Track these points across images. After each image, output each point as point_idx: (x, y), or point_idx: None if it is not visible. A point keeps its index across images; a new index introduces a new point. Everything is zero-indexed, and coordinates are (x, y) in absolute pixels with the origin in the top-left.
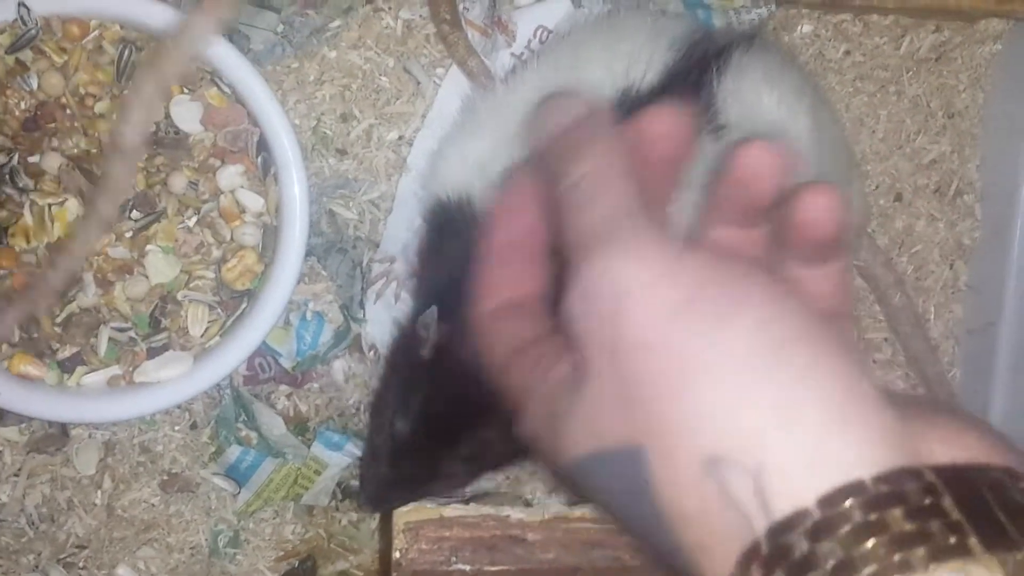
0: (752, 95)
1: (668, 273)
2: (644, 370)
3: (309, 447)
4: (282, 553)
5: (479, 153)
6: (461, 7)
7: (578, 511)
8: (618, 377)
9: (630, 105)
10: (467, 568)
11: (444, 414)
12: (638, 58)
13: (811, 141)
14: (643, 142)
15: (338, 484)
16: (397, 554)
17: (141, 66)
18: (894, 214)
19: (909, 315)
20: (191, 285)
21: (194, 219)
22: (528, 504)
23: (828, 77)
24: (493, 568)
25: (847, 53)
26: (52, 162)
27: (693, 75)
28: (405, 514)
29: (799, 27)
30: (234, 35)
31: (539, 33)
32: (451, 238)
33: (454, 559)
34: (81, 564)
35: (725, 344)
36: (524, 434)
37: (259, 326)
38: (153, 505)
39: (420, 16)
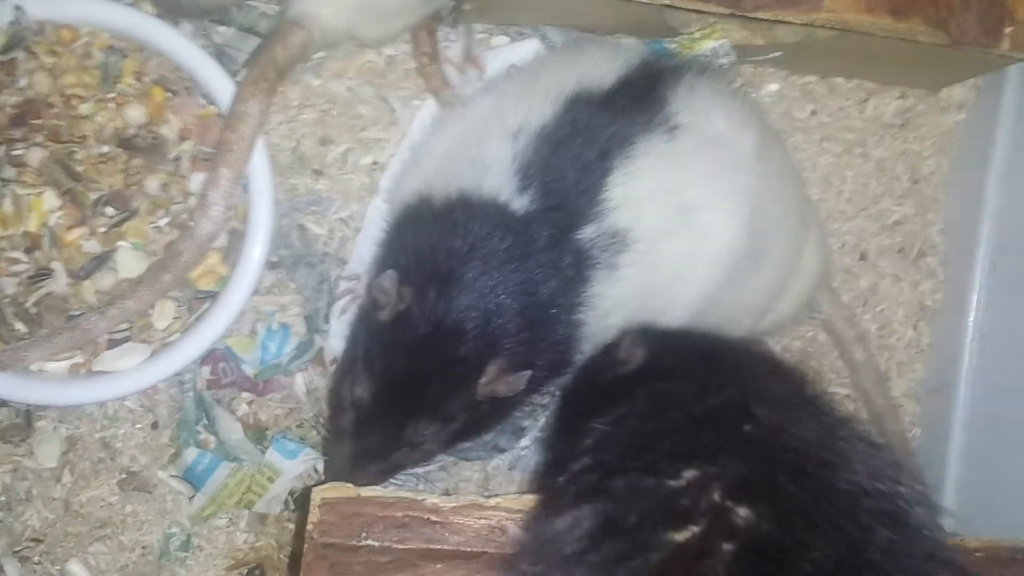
0: (703, 108)
1: None
2: None
3: (264, 454)
4: (232, 562)
5: (439, 158)
6: (442, 45)
7: (492, 500)
8: None
9: (583, 106)
10: (376, 544)
11: (406, 378)
12: (592, 71)
13: (755, 161)
14: None
15: (291, 493)
16: (310, 527)
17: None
18: (859, 272)
19: (871, 372)
20: None
21: (165, 219)
22: (447, 493)
23: (795, 136)
24: (401, 546)
25: (813, 113)
26: (35, 156)
27: (643, 84)
28: (323, 491)
29: (766, 85)
30: (223, 57)
31: (510, 71)
32: (413, 228)
33: (364, 534)
34: (36, 558)
35: None
36: None
37: (216, 324)
38: (110, 503)
39: (402, 52)
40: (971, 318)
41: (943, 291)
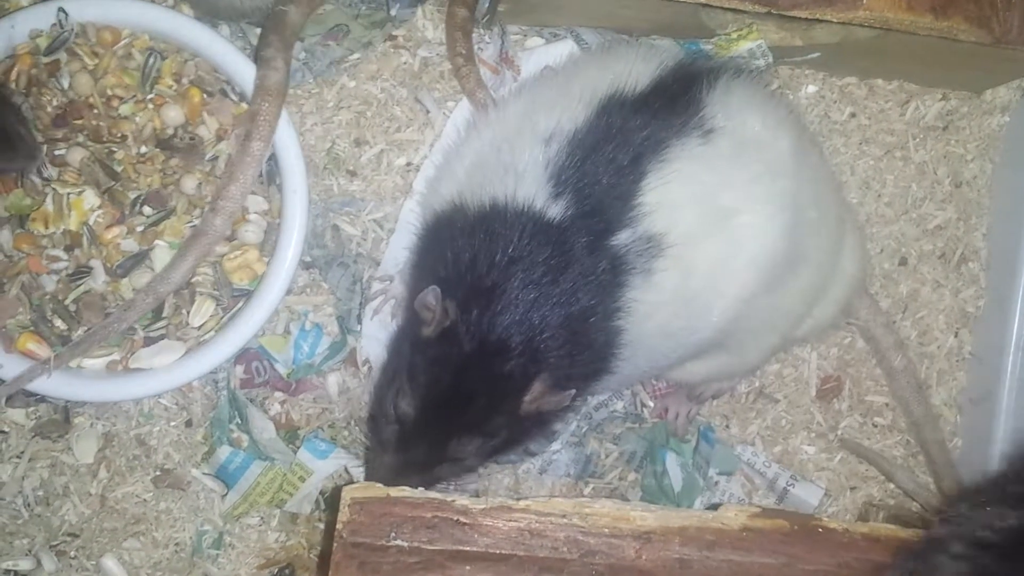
0: (739, 110)
1: None
2: None
3: (296, 454)
4: (263, 560)
5: (471, 164)
6: (476, 46)
7: (522, 503)
8: None
9: (616, 110)
10: (405, 544)
11: (451, 394)
12: (626, 74)
13: (791, 164)
14: None
15: (321, 492)
16: (340, 526)
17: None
18: (899, 278)
19: (910, 379)
20: (192, 279)
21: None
22: (477, 495)
23: (833, 139)
24: (430, 547)
25: (852, 115)
26: (76, 155)
27: (678, 87)
28: (353, 490)
29: (804, 87)
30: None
31: (544, 73)
32: (451, 238)
33: (393, 534)
34: (72, 553)
35: None
36: None
37: (250, 323)
38: (145, 500)
39: (437, 54)
40: (1015, 326)
41: (985, 298)
